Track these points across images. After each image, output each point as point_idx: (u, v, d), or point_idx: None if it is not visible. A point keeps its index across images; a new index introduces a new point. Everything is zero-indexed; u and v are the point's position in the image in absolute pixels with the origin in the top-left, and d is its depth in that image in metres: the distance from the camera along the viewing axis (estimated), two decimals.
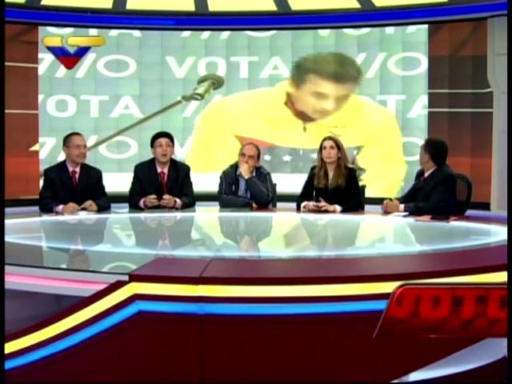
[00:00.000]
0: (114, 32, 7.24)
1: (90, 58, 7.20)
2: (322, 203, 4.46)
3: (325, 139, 4.69)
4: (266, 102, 7.32)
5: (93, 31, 7.21)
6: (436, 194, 4.28)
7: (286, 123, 7.30)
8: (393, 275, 2.14)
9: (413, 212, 4.20)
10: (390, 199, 4.42)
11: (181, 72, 7.35)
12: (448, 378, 2.12)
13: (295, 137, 7.28)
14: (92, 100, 7.22)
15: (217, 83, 7.36)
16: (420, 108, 7.09)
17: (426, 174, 4.41)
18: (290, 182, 6.23)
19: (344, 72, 7.23)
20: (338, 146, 4.66)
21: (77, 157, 4.58)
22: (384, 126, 7.19)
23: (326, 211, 4.43)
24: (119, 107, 7.29)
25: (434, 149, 4.43)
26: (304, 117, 7.30)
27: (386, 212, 4.35)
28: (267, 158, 7.14)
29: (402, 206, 4.29)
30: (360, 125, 7.21)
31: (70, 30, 7.11)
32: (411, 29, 7.09)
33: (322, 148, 4.65)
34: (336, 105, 7.21)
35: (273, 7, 7.20)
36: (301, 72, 7.31)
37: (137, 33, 7.31)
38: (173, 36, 7.30)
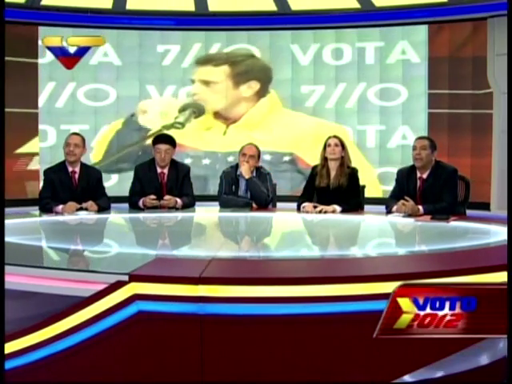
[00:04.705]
0: (94, 61, 7.30)
1: (70, 87, 7.24)
2: (319, 207, 4.44)
3: (330, 137, 4.69)
4: None
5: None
6: (448, 193, 4.28)
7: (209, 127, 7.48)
8: (393, 275, 2.13)
9: (432, 213, 4.07)
10: (406, 200, 4.15)
11: (161, 101, 7.42)
12: (448, 378, 2.12)
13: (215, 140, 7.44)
14: (72, 129, 7.18)
15: (198, 112, 7.41)
16: (399, 139, 7.13)
17: (426, 174, 4.36)
18: None
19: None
20: (343, 144, 4.65)
21: (66, 155, 4.58)
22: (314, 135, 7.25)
23: (326, 212, 4.42)
24: (100, 136, 7.34)
25: (435, 145, 4.42)
26: (222, 117, 7.45)
27: (402, 213, 4.15)
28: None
29: (421, 208, 4.15)
30: (283, 131, 7.36)
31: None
32: (391, 60, 7.17)
33: (325, 146, 4.65)
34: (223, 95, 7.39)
35: (273, 7, 7.21)
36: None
37: (117, 61, 7.35)
38: (153, 66, 7.38)
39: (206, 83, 7.40)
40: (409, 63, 7.14)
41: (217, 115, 7.45)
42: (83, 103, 7.30)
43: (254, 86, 7.41)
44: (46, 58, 7.19)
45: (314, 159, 6.93)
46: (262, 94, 7.42)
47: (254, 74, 7.41)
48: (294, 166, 7.33)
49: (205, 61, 7.44)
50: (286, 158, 7.33)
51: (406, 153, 6.46)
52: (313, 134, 7.23)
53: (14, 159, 7.00)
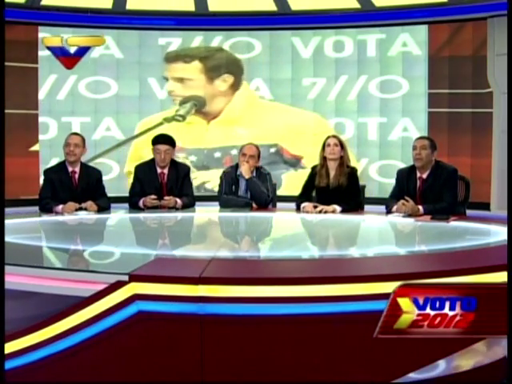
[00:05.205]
0: (95, 53, 7.29)
1: (71, 79, 7.23)
2: (319, 207, 4.44)
3: (329, 137, 4.69)
4: None
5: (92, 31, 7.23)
6: (448, 193, 4.28)
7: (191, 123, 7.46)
8: (393, 275, 2.13)
9: (432, 213, 4.06)
10: (407, 200, 4.12)
11: (162, 93, 7.40)
12: (448, 378, 2.12)
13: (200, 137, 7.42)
14: (73, 122, 7.21)
15: (199, 104, 7.40)
16: (400, 131, 7.13)
17: (426, 174, 4.36)
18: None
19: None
20: (342, 144, 4.65)
21: (66, 155, 4.58)
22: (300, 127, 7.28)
23: (326, 212, 4.42)
24: (101, 129, 7.33)
25: (435, 145, 4.43)
26: (202, 113, 7.44)
27: (403, 213, 4.14)
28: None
29: (421, 208, 4.14)
30: (264, 123, 7.37)
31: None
32: (392, 52, 7.15)
33: (324, 146, 4.64)
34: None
35: (273, 7, 7.21)
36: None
37: (118, 54, 7.34)
38: (154, 65, 7.36)
39: (180, 80, 7.41)
40: (410, 55, 7.11)
41: (197, 111, 7.45)
42: (84, 95, 7.28)
43: (228, 79, 7.43)
44: (46, 51, 7.15)
45: (296, 149, 7.13)
46: (236, 86, 7.44)
47: (225, 67, 7.43)
48: (280, 156, 7.35)
49: (174, 58, 7.43)
50: (272, 150, 7.35)
51: (407, 145, 6.42)
52: (293, 124, 7.29)
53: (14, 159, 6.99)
